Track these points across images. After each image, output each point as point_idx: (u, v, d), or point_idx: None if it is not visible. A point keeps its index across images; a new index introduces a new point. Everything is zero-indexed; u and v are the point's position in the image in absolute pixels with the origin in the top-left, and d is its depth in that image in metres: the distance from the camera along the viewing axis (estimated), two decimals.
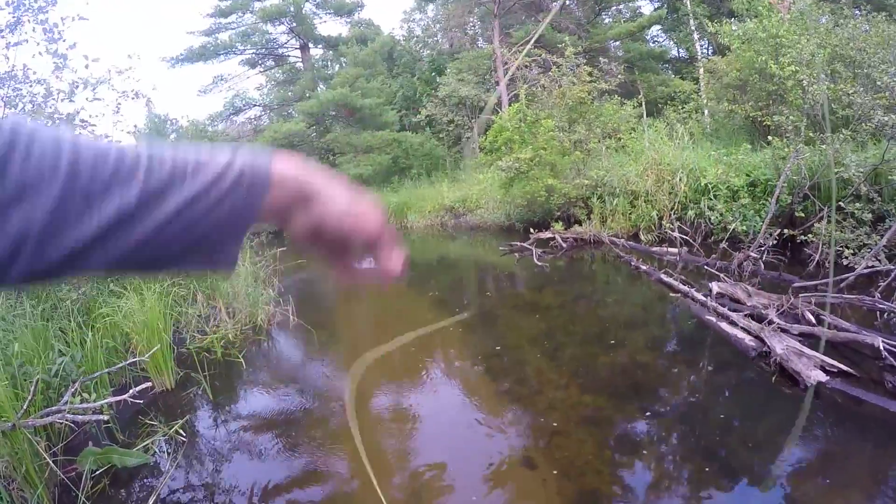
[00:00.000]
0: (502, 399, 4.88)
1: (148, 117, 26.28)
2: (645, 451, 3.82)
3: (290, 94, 26.11)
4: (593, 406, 4.50)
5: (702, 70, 17.80)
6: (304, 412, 4.99)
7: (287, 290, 8.48)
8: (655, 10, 26.83)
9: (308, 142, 23.85)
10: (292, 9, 22.94)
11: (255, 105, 28.14)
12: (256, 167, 0.54)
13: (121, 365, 4.84)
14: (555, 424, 4.26)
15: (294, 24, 24.04)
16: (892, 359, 4.40)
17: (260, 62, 26.57)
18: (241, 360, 6.15)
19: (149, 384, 4.55)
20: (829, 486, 3.30)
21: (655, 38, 29.91)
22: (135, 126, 11.50)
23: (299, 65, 26.53)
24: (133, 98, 6.71)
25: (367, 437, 4.58)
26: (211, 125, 25.57)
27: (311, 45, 25.85)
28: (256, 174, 0.53)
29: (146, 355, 4.95)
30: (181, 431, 4.51)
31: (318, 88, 24.45)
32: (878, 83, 8.33)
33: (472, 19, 28.93)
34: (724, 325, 5.82)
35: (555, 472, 3.64)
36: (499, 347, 6.21)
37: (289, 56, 26.68)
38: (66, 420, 3.88)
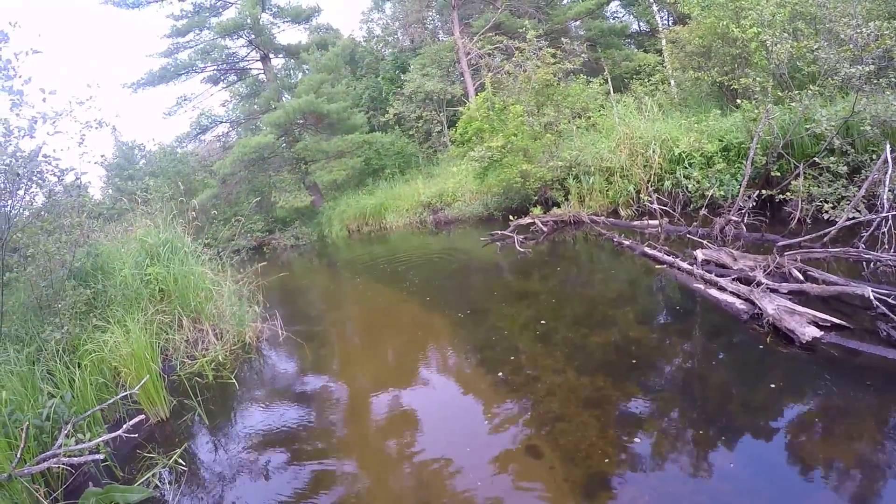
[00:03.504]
0: (500, 390, 4.85)
1: (115, 146, 25.93)
2: (648, 427, 3.82)
3: (255, 107, 25.76)
4: (592, 387, 4.49)
5: (664, 41, 17.82)
6: (303, 425, 4.93)
7: (273, 304, 8.38)
8: None
9: (279, 153, 23.64)
10: (249, 21, 22.59)
11: (221, 122, 27.69)
12: None
13: (112, 400, 4.73)
14: (556, 410, 4.25)
15: (253, 37, 23.68)
16: (883, 307, 4.43)
17: (222, 78, 26.12)
18: (234, 380, 6.08)
19: (142, 417, 4.47)
20: (833, 438, 3.32)
21: (615, 14, 29.99)
22: (102, 156, 11.20)
23: (262, 76, 26.16)
24: (97, 127, 6.50)
25: (371, 437, 4.55)
26: (179, 146, 25.18)
27: (271, 55, 25.47)
28: None
29: (136, 387, 4.85)
30: (181, 461, 4.44)
31: (283, 98, 24.15)
32: (842, 36, 8.36)
33: (430, 13, 28.83)
34: (713, 291, 5.84)
35: (561, 457, 3.63)
36: (491, 338, 6.18)
37: (251, 69, 26.27)
38: (63, 463, 3.79)
